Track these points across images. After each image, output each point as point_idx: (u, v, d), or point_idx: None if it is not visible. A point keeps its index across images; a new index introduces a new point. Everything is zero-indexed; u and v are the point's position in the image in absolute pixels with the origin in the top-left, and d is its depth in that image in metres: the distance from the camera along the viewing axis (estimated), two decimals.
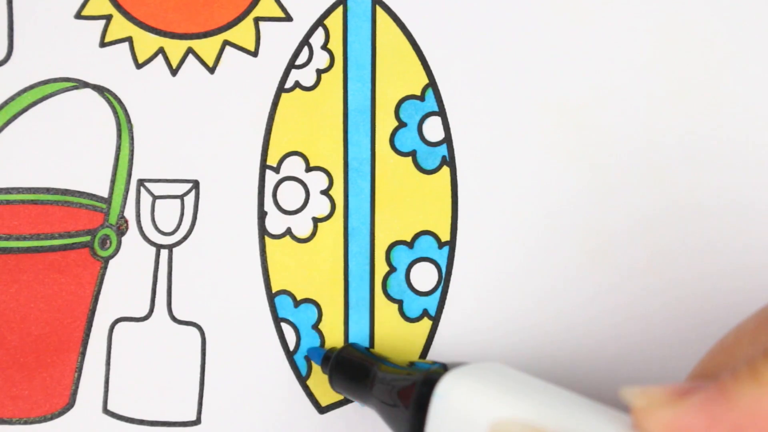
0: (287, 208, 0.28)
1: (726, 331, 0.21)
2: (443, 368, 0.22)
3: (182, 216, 0.28)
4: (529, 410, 0.20)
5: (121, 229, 0.28)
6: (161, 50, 0.29)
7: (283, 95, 0.28)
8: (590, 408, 0.20)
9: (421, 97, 0.28)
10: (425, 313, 0.28)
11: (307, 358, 0.28)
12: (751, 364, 0.18)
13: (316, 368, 0.28)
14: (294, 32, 0.28)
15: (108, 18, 0.29)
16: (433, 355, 0.28)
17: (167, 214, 0.28)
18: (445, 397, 0.21)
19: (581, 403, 0.21)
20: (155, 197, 0.28)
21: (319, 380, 0.28)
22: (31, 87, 0.29)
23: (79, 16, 0.29)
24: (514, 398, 0.21)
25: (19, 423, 0.28)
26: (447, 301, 0.28)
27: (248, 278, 0.28)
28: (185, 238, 0.28)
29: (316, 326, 0.28)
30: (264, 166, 0.28)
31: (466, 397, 0.21)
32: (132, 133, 0.29)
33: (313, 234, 0.28)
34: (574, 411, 0.20)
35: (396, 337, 0.28)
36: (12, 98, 0.29)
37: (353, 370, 0.26)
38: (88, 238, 0.28)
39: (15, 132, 0.29)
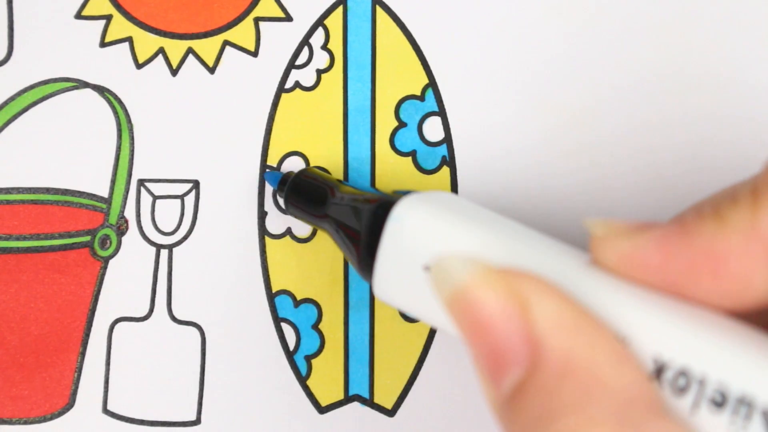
0: None
1: None
2: (402, 196, 0.22)
3: (182, 216, 0.28)
4: (478, 241, 0.19)
5: (121, 229, 0.28)
6: (161, 50, 0.29)
7: (283, 95, 0.28)
8: (547, 243, 0.20)
9: (421, 97, 0.28)
10: None
11: (307, 358, 0.28)
12: (714, 206, 0.17)
13: (316, 368, 0.28)
14: (294, 32, 0.28)
15: (108, 18, 0.29)
16: (434, 357, 0.28)
17: (167, 214, 0.28)
18: (399, 219, 0.21)
19: (539, 238, 0.20)
20: (155, 197, 0.28)
21: (319, 380, 0.28)
22: (31, 87, 0.29)
23: (79, 16, 0.29)
24: (466, 228, 0.20)
25: (19, 423, 0.28)
26: None
27: (248, 278, 0.28)
28: (185, 238, 0.28)
29: (316, 326, 0.28)
30: (264, 166, 0.28)
31: (421, 218, 0.21)
32: (132, 133, 0.29)
33: (313, 234, 0.28)
34: (528, 244, 0.20)
35: (396, 337, 0.28)
36: (12, 98, 0.29)
37: (311, 191, 0.25)
38: (88, 238, 0.28)
39: (15, 132, 0.29)
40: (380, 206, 0.22)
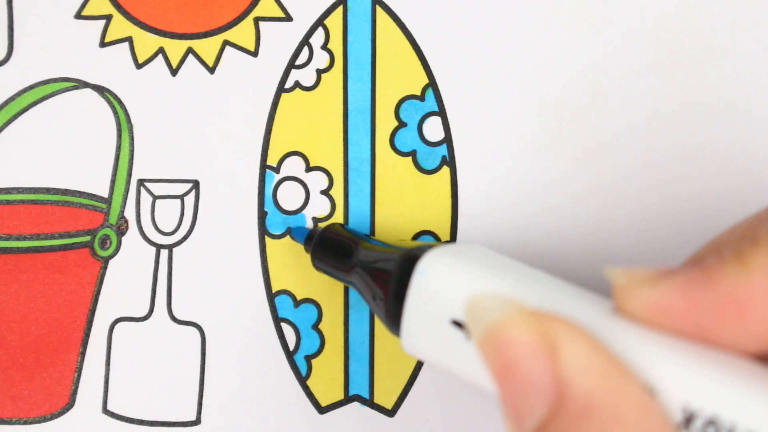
0: (287, 208, 0.28)
1: None
2: (427, 248, 0.22)
3: (182, 216, 0.28)
4: (508, 287, 0.20)
5: (121, 229, 0.28)
6: (161, 50, 0.29)
7: (283, 95, 0.28)
8: (572, 291, 0.20)
9: (421, 97, 0.28)
10: None
11: (307, 358, 0.28)
12: (736, 249, 0.17)
13: (316, 368, 0.28)
14: (294, 32, 0.28)
15: (108, 18, 0.29)
16: None
17: (167, 214, 0.28)
18: (425, 273, 0.21)
19: (564, 285, 0.20)
20: (155, 197, 0.28)
21: (319, 380, 0.28)
22: (31, 87, 0.29)
23: (79, 16, 0.29)
24: (495, 276, 0.20)
25: (19, 423, 0.28)
26: None
27: (248, 278, 0.28)
28: (185, 238, 0.28)
29: (316, 326, 0.28)
30: (264, 166, 0.28)
31: (446, 272, 0.21)
32: (132, 133, 0.29)
33: None
34: (554, 291, 0.20)
35: (396, 337, 0.28)
36: (12, 98, 0.29)
37: (336, 247, 0.26)
38: (88, 238, 0.28)
39: (15, 132, 0.29)
40: (405, 261, 0.22)
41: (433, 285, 0.21)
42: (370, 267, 0.24)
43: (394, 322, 0.22)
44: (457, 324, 0.20)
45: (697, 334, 0.17)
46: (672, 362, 0.17)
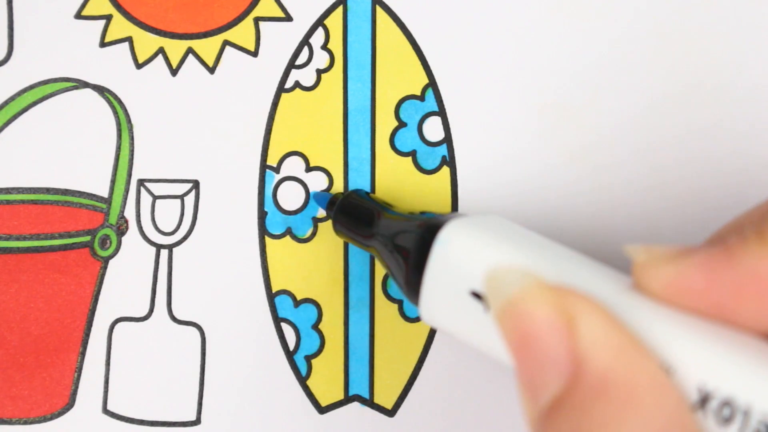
0: (287, 208, 0.28)
1: None
2: (448, 218, 0.22)
3: (182, 216, 0.28)
4: (527, 259, 0.20)
5: (121, 229, 0.28)
6: (161, 50, 0.29)
7: (283, 95, 0.28)
8: (592, 265, 0.20)
9: (421, 97, 0.28)
10: None
11: (307, 358, 0.28)
12: (758, 228, 0.17)
13: (316, 368, 0.28)
14: (294, 32, 0.28)
15: (108, 18, 0.29)
16: (434, 357, 0.28)
17: (167, 214, 0.28)
18: (446, 243, 0.21)
19: (584, 260, 0.20)
20: (155, 197, 0.28)
21: (319, 380, 0.28)
22: (31, 87, 0.29)
23: (79, 16, 0.29)
24: (515, 248, 0.20)
25: (19, 423, 0.28)
26: None
27: (248, 278, 0.28)
28: (185, 238, 0.28)
29: (316, 326, 0.28)
30: (264, 166, 0.28)
31: (467, 243, 0.20)
32: (132, 133, 0.29)
33: (313, 234, 0.28)
34: (574, 266, 0.20)
35: (396, 337, 0.28)
36: (12, 98, 0.29)
37: (358, 215, 0.26)
38: (88, 238, 0.28)
39: (15, 132, 0.29)
40: (427, 230, 0.22)
41: (454, 255, 0.21)
42: (391, 236, 0.24)
43: (413, 291, 0.22)
44: (476, 295, 0.20)
45: (717, 313, 0.17)
46: (689, 341, 0.17)
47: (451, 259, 0.21)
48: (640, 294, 0.18)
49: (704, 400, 0.16)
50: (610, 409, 0.16)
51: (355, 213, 0.26)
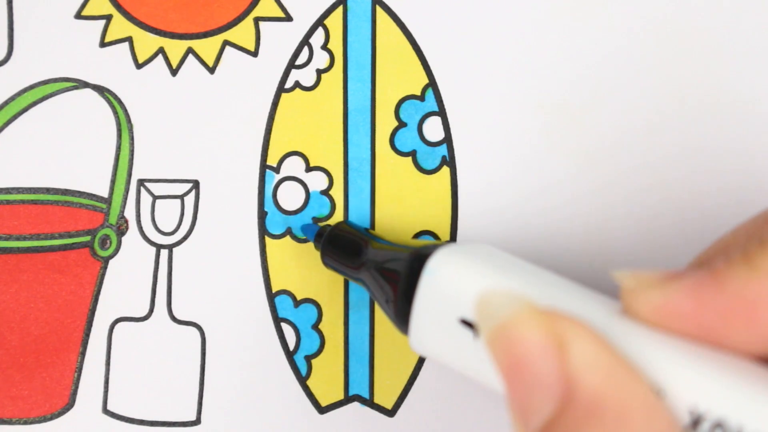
0: (287, 208, 0.28)
1: None
2: (436, 247, 0.22)
3: (182, 216, 0.28)
4: (517, 286, 0.20)
5: (121, 229, 0.28)
6: (161, 50, 0.29)
7: (283, 95, 0.28)
8: (580, 291, 0.20)
9: (421, 97, 0.28)
10: None
11: (307, 358, 0.28)
12: (744, 251, 0.17)
13: (316, 368, 0.28)
14: (294, 32, 0.28)
15: (108, 18, 0.29)
16: None
17: (167, 214, 0.28)
18: (434, 272, 0.21)
19: (572, 286, 0.20)
20: (155, 197, 0.28)
21: (319, 380, 0.28)
22: (31, 87, 0.29)
23: (79, 16, 0.29)
24: (504, 275, 0.20)
25: (19, 423, 0.28)
26: None
27: (248, 278, 0.28)
28: (185, 238, 0.28)
29: (316, 326, 0.28)
30: (264, 166, 0.28)
31: (455, 271, 0.21)
32: (132, 133, 0.29)
33: None
34: (563, 291, 0.20)
35: (396, 337, 0.28)
36: (12, 98, 0.29)
37: (346, 246, 0.26)
38: (88, 238, 0.28)
39: (15, 132, 0.29)
40: (416, 259, 0.22)
41: (442, 283, 0.21)
42: (380, 266, 0.24)
43: (402, 320, 0.22)
44: (466, 323, 0.20)
45: (706, 336, 0.17)
46: (680, 364, 0.17)
47: (441, 288, 0.21)
48: (629, 319, 0.18)
49: (696, 422, 0.17)
50: (603, 431, 0.16)
51: (342, 244, 0.26)
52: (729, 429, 0.16)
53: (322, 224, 0.28)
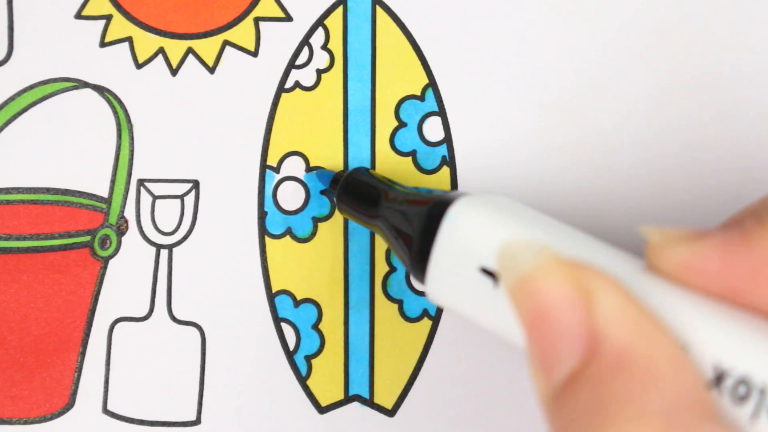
0: (287, 208, 0.28)
1: None
2: (457, 196, 0.22)
3: (182, 216, 0.28)
4: (540, 236, 0.19)
5: (121, 229, 0.28)
6: (161, 50, 0.29)
7: (283, 95, 0.28)
8: (603, 246, 0.20)
9: (421, 97, 0.28)
10: (425, 313, 0.28)
11: (307, 358, 0.28)
12: None
13: (316, 368, 0.28)
14: (294, 32, 0.28)
15: (108, 18, 0.29)
16: (434, 357, 0.28)
17: (167, 214, 0.28)
18: (456, 219, 0.21)
19: (595, 241, 0.20)
20: (155, 197, 0.28)
21: (319, 380, 0.28)
22: (31, 87, 0.29)
23: (79, 16, 0.29)
24: (528, 225, 0.20)
25: (19, 423, 0.28)
26: None
27: (248, 278, 0.28)
28: (185, 238, 0.28)
29: (316, 326, 0.28)
30: (264, 166, 0.28)
31: (478, 219, 0.20)
32: (132, 133, 0.29)
33: (313, 234, 0.28)
34: (587, 245, 0.20)
35: (396, 337, 0.28)
36: (12, 98, 0.29)
37: (363, 193, 0.25)
38: (88, 238, 0.28)
39: (15, 132, 0.29)
40: (436, 206, 0.22)
41: (464, 231, 0.20)
42: (398, 212, 0.23)
43: (419, 268, 0.22)
44: (486, 272, 0.20)
45: (732, 295, 0.17)
46: (705, 320, 0.17)
47: (461, 236, 0.20)
48: (654, 275, 0.18)
49: (719, 378, 0.16)
50: (630, 384, 0.16)
51: (359, 191, 0.25)
52: (753, 385, 0.16)
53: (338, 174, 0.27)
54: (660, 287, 0.18)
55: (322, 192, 0.28)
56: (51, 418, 0.28)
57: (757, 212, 0.18)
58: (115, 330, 0.28)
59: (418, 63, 0.28)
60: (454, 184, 0.28)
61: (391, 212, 0.24)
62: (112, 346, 0.28)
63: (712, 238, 0.18)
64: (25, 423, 0.28)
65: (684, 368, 0.16)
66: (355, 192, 0.25)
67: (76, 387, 0.28)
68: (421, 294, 0.28)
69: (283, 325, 0.28)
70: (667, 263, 0.18)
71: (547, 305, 0.17)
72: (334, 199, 0.27)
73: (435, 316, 0.28)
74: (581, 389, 0.16)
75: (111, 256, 0.28)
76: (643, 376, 0.16)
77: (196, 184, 0.28)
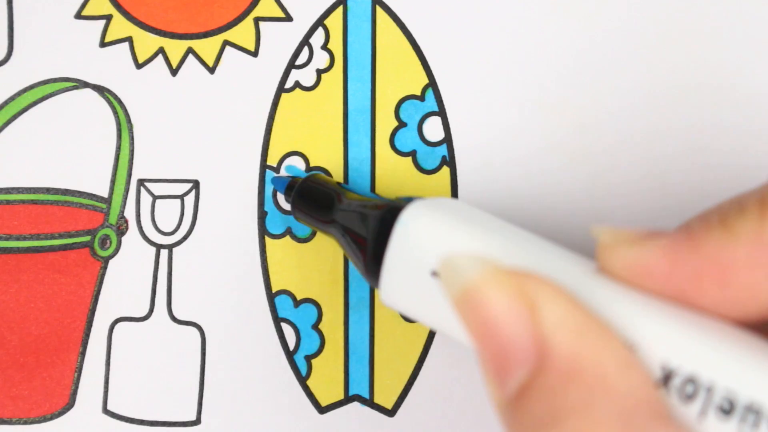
0: (287, 208, 0.28)
1: None
2: (409, 200, 0.22)
3: (182, 216, 0.28)
4: (489, 242, 0.19)
5: (121, 229, 0.29)
6: (161, 50, 0.29)
7: (283, 95, 0.28)
8: (555, 250, 0.20)
9: (421, 97, 0.28)
10: None
11: (307, 358, 0.28)
12: (722, 215, 0.17)
13: (316, 368, 0.28)
14: (294, 32, 0.28)
15: (108, 18, 0.29)
16: (434, 357, 0.28)
17: (167, 214, 0.28)
18: (407, 224, 0.21)
19: (547, 245, 0.20)
20: (155, 197, 0.28)
21: (319, 380, 0.28)
22: (31, 87, 0.29)
23: (79, 16, 0.29)
24: (477, 231, 0.20)
25: (19, 423, 0.28)
26: None
27: (248, 278, 0.28)
28: (185, 238, 0.28)
29: (316, 326, 0.28)
30: (264, 166, 0.28)
31: (429, 224, 0.20)
32: (132, 133, 0.29)
33: (313, 234, 0.28)
34: (537, 250, 0.20)
35: (396, 337, 0.28)
36: (12, 98, 0.29)
37: (317, 198, 0.25)
38: (88, 238, 0.28)
39: (15, 132, 0.29)
40: (388, 211, 0.22)
41: (415, 236, 0.21)
42: (352, 218, 0.24)
43: (373, 272, 0.22)
44: (438, 276, 0.20)
45: (679, 296, 0.17)
46: (652, 320, 0.17)
47: (413, 240, 0.21)
48: (603, 277, 0.18)
49: (667, 378, 0.17)
50: (581, 392, 0.16)
51: (314, 197, 0.26)
52: (701, 384, 0.16)
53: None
54: (609, 289, 0.18)
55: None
56: (51, 418, 0.28)
57: (706, 215, 0.18)
58: (115, 330, 0.28)
59: (418, 63, 0.28)
60: (454, 184, 0.28)
61: (345, 218, 0.24)
62: (112, 346, 0.28)
63: (659, 240, 0.18)
64: (25, 423, 0.28)
65: (633, 369, 0.16)
66: (309, 198, 0.26)
67: (76, 387, 0.28)
68: None
69: (283, 325, 0.28)
70: (616, 264, 0.18)
71: (492, 318, 0.17)
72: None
73: None
74: (534, 399, 0.17)
75: (111, 256, 0.28)
76: (593, 383, 0.16)
77: (196, 184, 0.28)
